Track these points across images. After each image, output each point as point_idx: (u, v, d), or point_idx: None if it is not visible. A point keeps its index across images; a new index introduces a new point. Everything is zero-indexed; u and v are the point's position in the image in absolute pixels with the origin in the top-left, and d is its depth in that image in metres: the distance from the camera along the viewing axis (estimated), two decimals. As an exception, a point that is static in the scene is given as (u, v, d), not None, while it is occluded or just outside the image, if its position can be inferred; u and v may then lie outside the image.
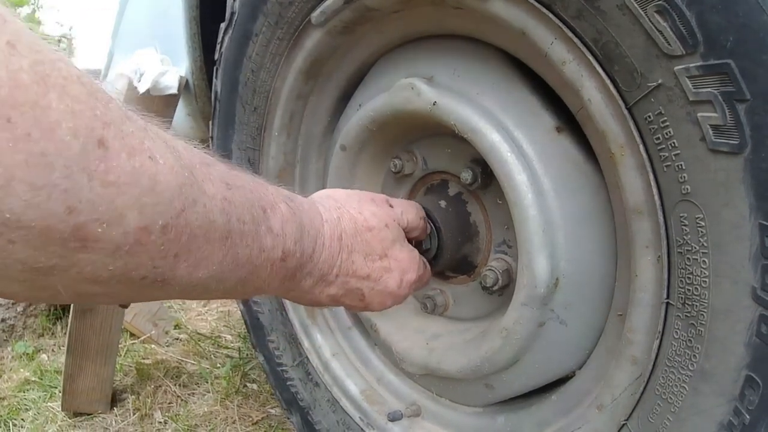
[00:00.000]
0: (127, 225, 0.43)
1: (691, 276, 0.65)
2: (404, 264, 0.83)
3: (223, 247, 0.55)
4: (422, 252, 0.97)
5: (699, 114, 0.59)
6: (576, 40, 0.68)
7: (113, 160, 0.41)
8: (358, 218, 0.79)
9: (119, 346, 1.84)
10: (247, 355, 2.02)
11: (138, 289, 0.49)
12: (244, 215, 0.58)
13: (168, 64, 1.74)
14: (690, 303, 0.66)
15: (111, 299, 0.50)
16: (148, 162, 0.44)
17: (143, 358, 2.03)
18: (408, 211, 0.87)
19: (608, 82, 0.67)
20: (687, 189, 0.63)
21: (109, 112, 0.42)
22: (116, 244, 0.43)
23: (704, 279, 0.63)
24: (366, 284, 0.80)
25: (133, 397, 1.80)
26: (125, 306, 1.73)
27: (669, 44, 0.59)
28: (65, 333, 1.86)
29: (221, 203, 0.54)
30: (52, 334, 2.23)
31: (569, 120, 0.80)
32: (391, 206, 0.85)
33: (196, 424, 1.67)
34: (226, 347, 2.13)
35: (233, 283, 0.61)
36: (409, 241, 0.88)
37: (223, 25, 1.16)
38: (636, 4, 0.60)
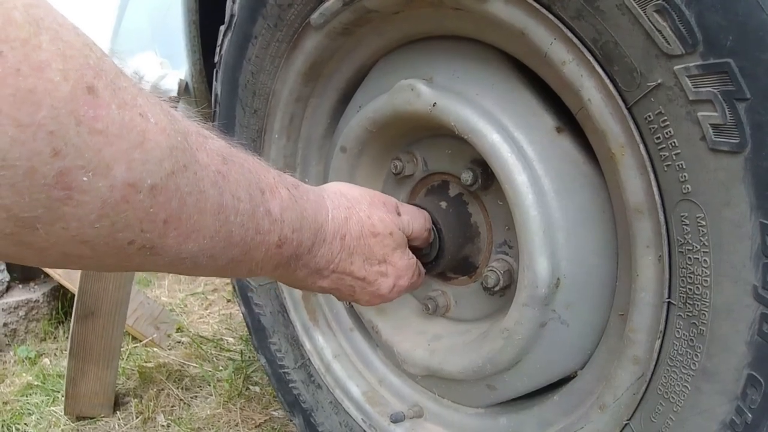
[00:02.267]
0: (113, 178, 0.42)
1: (692, 275, 0.65)
2: (401, 271, 0.85)
3: (216, 221, 0.54)
4: (423, 254, 0.97)
5: (699, 113, 0.59)
6: (575, 40, 0.68)
7: (102, 109, 0.41)
8: (365, 222, 0.79)
9: (121, 349, 1.84)
10: (249, 357, 2.02)
11: (125, 255, 0.48)
12: (239, 192, 0.57)
13: (167, 67, 1.75)
14: (691, 302, 0.66)
15: (98, 264, 0.49)
16: (138, 118, 0.44)
17: (145, 362, 2.03)
18: (415, 221, 0.89)
19: (608, 82, 0.67)
20: (687, 188, 0.63)
21: (102, 63, 0.42)
22: (102, 198, 0.42)
23: (705, 278, 0.63)
24: (359, 284, 0.81)
25: (135, 400, 1.80)
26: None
27: (668, 44, 0.59)
28: (67, 337, 1.86)
29: (214, 175, 0.53)
30: (54, 338, 2.24)
31: (569, 120, 0.80)
32: (399, 214, 0.86)
33: (199, 428, 1.67)
34: (229, 350, 2.13)
35: (225, 262, 0.60)
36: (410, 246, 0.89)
37: (222, 28, 1.16)
38: (635, 4, 0.60)
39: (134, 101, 0.44)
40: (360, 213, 0.79)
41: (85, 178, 0.41)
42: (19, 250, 0.43)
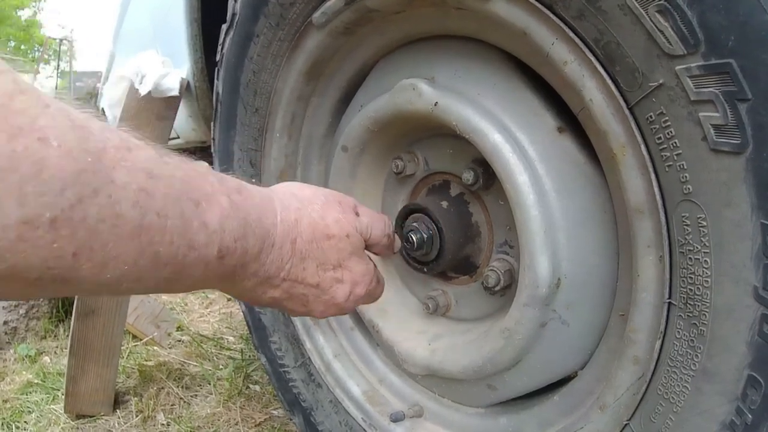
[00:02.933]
0: (5, 217, 0.38)
1: (693, 276, 0.65)
2: (357, 277, 0.79)
3: (137, 245, 0.49)
4: (423, 254, 0.97)
5: (700, 114, 0.59)
6: (577, 40, 0.68)
7: None
8: (318, 224, 0.74)
9: (121, 348, 1.84)
10: (249, 356, 2.02)
11: (35, 288, 0.44)
12: (167, 209, 0.52)
13: (169, 66, 1.75)
14: (692, 303, 0.66)
15: (11, 294, 0.45)
16: (35, 144, 0.39)
17: (146, 360, 2.03)
18: (375, 225, 0.83)
19: (609, 82, 0.67)
20: (689, 189, 0.63)
21: None
22: None
23: (706, 279, 0.63)
24: (313, 292, 0.75)
25: (135, 399, 1.80)
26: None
27: (670, 44, 0.59)
28: (68, 335, 1.87)
29: (135, 195, 0.48)
30: (55, 336, 2.24)
31: (571, 120, 0.80)
32: (357, 214, 0.80)
33: (198, 426, 1.67)
34: (229, 349, 2.13)
35: (155, 283, 0.55)
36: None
37: (224, 27, 1.16)
38: (637, 4, 0.60)
39: (32, 125, 0.39)
40: (312, 214, 0.74)
41: None
42: None
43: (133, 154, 0.49)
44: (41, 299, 2.23)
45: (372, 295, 0.85)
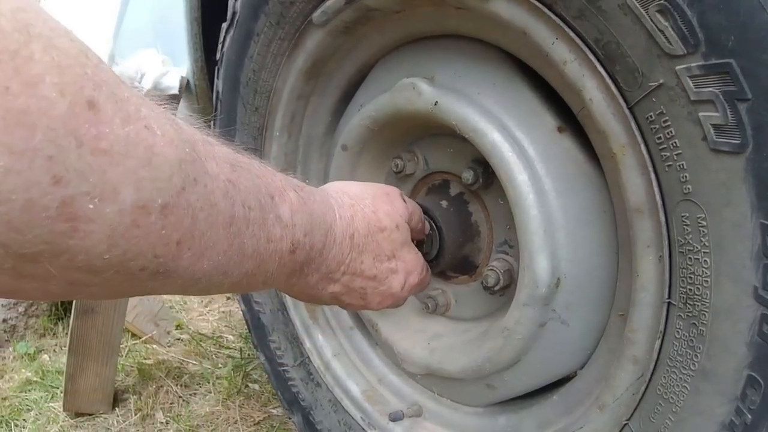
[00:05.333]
0: (122, 202, 0.38)
1: (692, 276, 0.65)
2: (410, 266, 0.82)
3: (228, 234, 0.50)
4: (423, 253, 0.97)
5: (700, 113, 0.59)
6: (577, 39, 0.68)
7: (105, 125, 0.36)
8: (371, 218, 0.77)
9: (121, 346, 1.84)
10: (248, 355, 2.02)
11: (137, 281, 0.44)
12: (249, 200, 0.53)
13: (169, 64, 1.75)
14: (691, 303, 0.66)
15: (105, 292, 0.45)
16: (144, 131, 0.40)
17: (145, 359, 2.03)
18: (415, 212, 0.86)
19: (609, 81, 0.67)
20: (688, 188, 0.63)
21: (101, 72, 0.38)
22: (111, 226, 0.38)
23: (706, 278, 0.63)
24: (370, 284, 0.78)
25: (134, 397, 1.80)
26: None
27: (670, 44, 0.59)
28: (67, 333, 1.86)
29: (224, 185, 0.49)
30: (54, 334, 2.23)
31: (570, 120, 0.80)
32: (405, 202, 0.83)
33: (197, 425, 1.67)
34: (228, 347, 2.13)
35: (239, 277, 0.56)
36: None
37: (224, 25, 1.16)
38: (637, 4, 0.60)
39: (138, 113, 0.40)
40: (365, 209, 0.77)
41: (91, 206, 0.36)
42: (20, 284, 0.39)
43: (215, 149, 0.51)
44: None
45: (423, 284, 0.88)
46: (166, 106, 0.47)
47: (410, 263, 0.82)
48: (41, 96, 0.33)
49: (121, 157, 0.37)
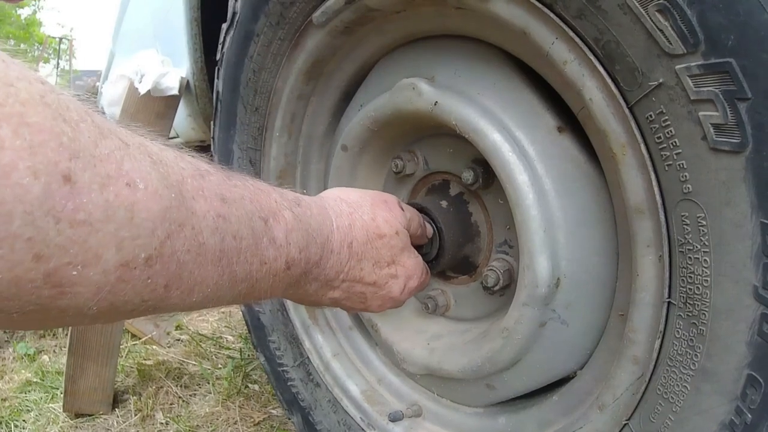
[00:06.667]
0: (104, 264, 0.40)
1: (692, 275, 0.65)
2: (410, 271, 0.83)
3: (218, 268, 0.52)
4: (423, 253, 0.97)
5: (700, 113, 0.59)
6: (577, 39, 0.68)
7: (83, 196, 0.37)
8: (370, 225, 0.77)
9: (120, 347, 1.84)
10: (248, 355, 2.02)
11: (128, 316, 0.47)
12: (241, 230, 0.55)
13: (169, 65, 1.75)
14: (691, 302, 0.66)
15: (101, 323, 0.48)
16: (125, 190, 0.40)
17: (145, 359, 2.03)
18: (414, 219, 0.87)
19: (609, 81, 0.67)
20: (688, 188, 0.62)
21: (79, 135, 0.38)
22: (96, 285, 0.40)
23: (706, 278, 0.63)
24: (370, 289, 0.79)
25: (134, 398, 1.80)
26: None
27: (670, 43, 0.59)
28: (66, 334, 1.86)
29: (214, 222, 0.51)
30: (54, 335, 2.23)
31: (570, 120, 0.80)
32: (402, 210, 0.84)
33: (197, 425, 1.67)
34: (228, 348, 2.13)
35: (232, 299, 0.58)
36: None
37: (224, 26, 1.16)
38: (637, 4, 0.60)
39: (119, 170, 0.40)
40: (363, 216, 0.78)
41: (74, 273, 0.38)
42: (18, 327, 0.42)
43: (206, 181, 0.52)
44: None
45: (422, 286, 0.89)
46: (155, 137, 0.48)
47: (410, 268, 0.83)
48: (14, 184, 0.33)
49: (100, 224, 0.38)
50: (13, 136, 0.33)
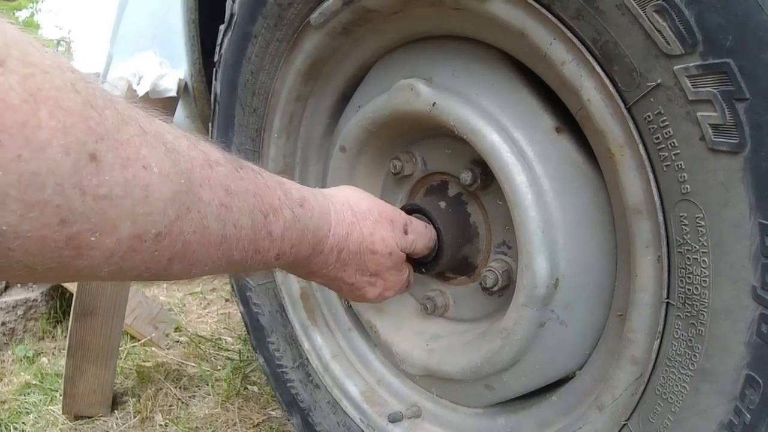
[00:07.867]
0: (120, 234, 0.45)
1: (691, 275, 0.65)
2: (389, 284, 0.88)
3: (218, 251, 0.57)
4: (423, 255, 0.96)
5: (698, 113, 0.59)
6: (575, 40, 0.68)
7: (105, 174, 0.42)
8: (366, 240, 0.81)
9: (119, 348, 1.84)
10: (247, 357, 2.02)
11: (132, 279, 0.52)
12: (241, 220, 0.60)
13: (167, 66, 1.74)
14: (690, 302, 0.66)
15: (108, 281, 0.53)
16: (141, 172, 0.45)
17: (144, 361, 2.03)
18: (420, 240, 0.90)
19: (607, 82, 0.67)
20: (687, 188, 0.63)
21: (104, 120, 0.43)
22: (110, 250, 0.45)
23: (704, 278, 0.63)
24: (347, 287, 0.85)
25: (133, 399, 1.80)
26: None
27: (668, 44, 0.59)
28: (65, 336, 1.86)
29: (217, 209, 0.56)
30: (53, 337, 2.23)
31: (569, 120, 0.80)
32: (406, 233, 0.87)
33: (197, 427, 1.66)
34: (227, 349, 2.13)
35: (224, 273, 0.65)
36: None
37: (222, 28, 1.16)
38: (635, 4, 0.60)
39: (137, 153, 0.45)
40: (363, 230, 0.81)
41: (93, 239, 0.43)
42: (35, 279, 0.46)
43: (214, 172, 0.57)
44: (39, 300, 2.23)
45: (399, 293, 0.94)
46: (168, 125, 0.53)
47: (390, 283, 0.88)
48: (49, 158, 0.38)
49: (119, 199, 0.44)
50: (49, 117, 0.38)
